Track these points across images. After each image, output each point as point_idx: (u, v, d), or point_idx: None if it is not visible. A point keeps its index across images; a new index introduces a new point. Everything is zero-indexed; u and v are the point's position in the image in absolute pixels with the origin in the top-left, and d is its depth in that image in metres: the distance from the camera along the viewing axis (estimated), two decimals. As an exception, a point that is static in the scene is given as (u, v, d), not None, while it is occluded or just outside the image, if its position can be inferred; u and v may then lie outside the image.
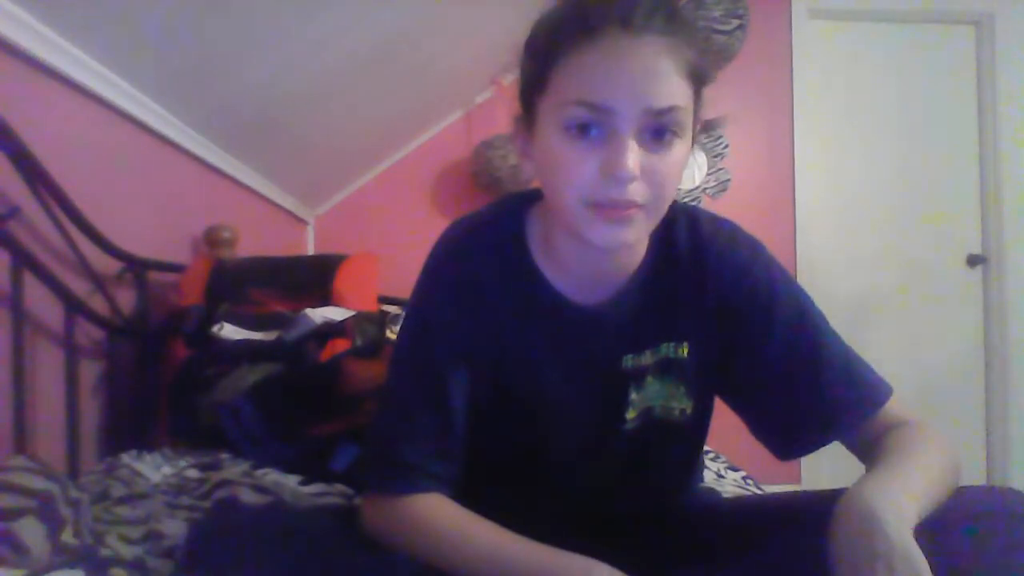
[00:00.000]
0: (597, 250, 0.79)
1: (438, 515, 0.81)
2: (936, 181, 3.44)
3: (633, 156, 0.70)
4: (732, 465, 1.69)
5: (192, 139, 2.00)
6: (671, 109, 0.71)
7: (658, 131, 0.72)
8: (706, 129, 0.82)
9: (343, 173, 3.23)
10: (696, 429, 0.96)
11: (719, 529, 0.93)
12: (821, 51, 3.42)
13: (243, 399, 1.54)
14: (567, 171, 0.73)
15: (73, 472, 1.42)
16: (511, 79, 3.24)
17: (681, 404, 0.91)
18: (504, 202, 0.96)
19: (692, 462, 1.04)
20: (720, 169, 3.34)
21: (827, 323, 0.91)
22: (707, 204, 3.34)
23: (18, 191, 1.32)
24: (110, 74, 1.58)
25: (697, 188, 3.33)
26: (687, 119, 0.74)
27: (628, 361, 0.88)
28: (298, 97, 2.29)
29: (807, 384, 0.85)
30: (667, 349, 0.89)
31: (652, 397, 0.90)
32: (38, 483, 0.97)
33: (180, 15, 1.60)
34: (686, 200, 3.30)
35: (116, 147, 1.69)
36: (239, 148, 2.29)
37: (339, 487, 1.36)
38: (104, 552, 0.86)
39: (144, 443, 1.61)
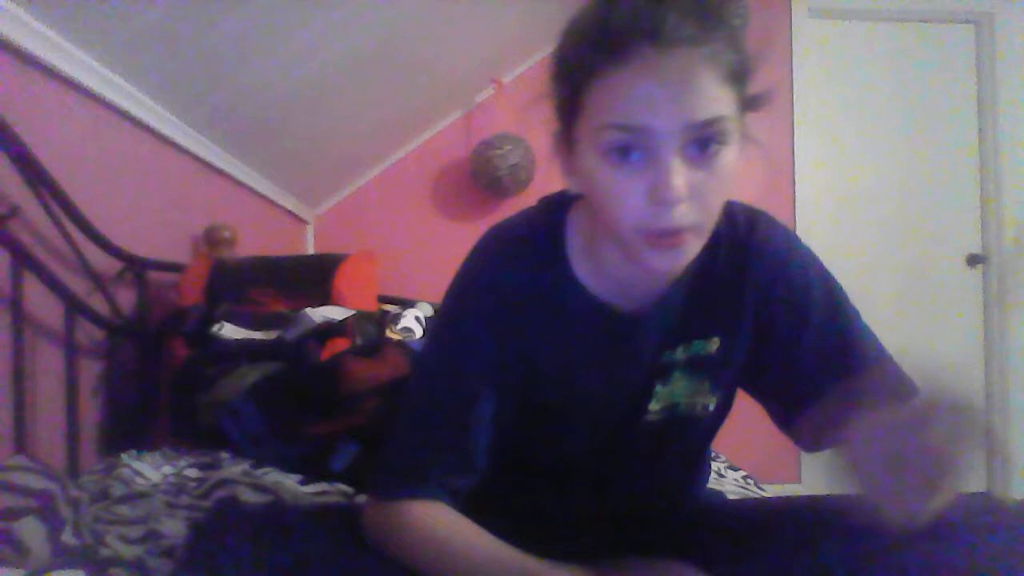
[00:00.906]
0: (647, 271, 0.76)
1: (434, 523, 0.79)
2: (936, 180, 3.44)
3: (679, 177, 0.67)
4: (732, 465, 1.69)
5: (192, 139, 2.01)
6: (713, 121, 0.67)
7: (702, 143, 0.68)
8: (759, 105, 0.77)
9: (343, 173, 3.23)
10: (715, 425, 0.96)
11: (721, 531, 0.92)
12: (821, 50, 3.42)
13: (243, 399, 1.54)
14: (614, 199, 0.70)
15: (73, 472, 1.42)
16: (510, 78, 3.25)
17: (705, 400, 0.89)
18: (541, 208, 0.92)
19: (705, 457, 1.05)
20: (720, 168, 3.34)
21: (860, 316, 0.90)
22: (707, 203, 3.34)
23: (18, 191, 1.32)
24: (110, 74, 1.58)
25: (697, 187, 3.33)
26: (732, 127, 0.70)
27: (665, 355, 0.87)
28: (298, 97, 2.29)
29: (840, 376, 0.83)
30: (699, 346, 0.87)
31: (678, 393, 0.88)
32: (38, 483, 0.97)
33: (180, 15, 1.60)
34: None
35: (116, 147, 1.70)
36: (239, 148, 2.29)
37: (339, 486, 1.36)
38: (104, 552, 0.86)
39: (144, 443, 1.61)
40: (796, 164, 3.37)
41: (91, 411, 1.57)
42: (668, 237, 0.69)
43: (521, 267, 0.85)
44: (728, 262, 0.86)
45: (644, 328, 0.85)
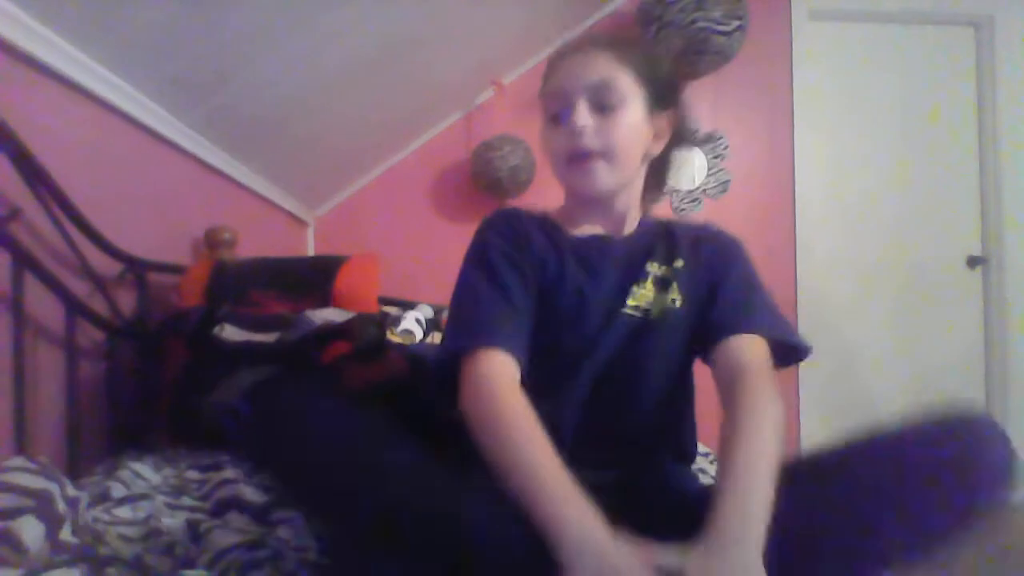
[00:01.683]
0: (588, 201, 1.14)
1: (497, 384, 0.94)
2: (936, 182, 3.44)
3: (581, 114, 1.05)
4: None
5: (192, 140, 2.01)
6: (603, 82, 1.05)
7: (601, 104, 1.06)
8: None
9: (343, 174, 3.23)
10: (686, 333, 1.11)
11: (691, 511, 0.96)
12: (821, 52, 3.42)
13: (244, 401, 1.54)
14: (553, 143, 1.11)
15: (74, 473, 1.42)
16: (510, 80, 3.25)
17: (674, 298, 1.10)
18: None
19: (680, 382, 1.17)
20: (720, 170, 3.34)
21: (763, 287, 1.18)
22: (707, 205, 3.34)
23: (19, 192, 1.32)
24: (111, 75, 1.59)
25: (697, 189, 3.33)
26: (625, 93, 1.06)
27: (645, 267, 1.12)
28: (298, 98, 2.29)
29: (741, 314, 1.09)
30: (666, 269, 1.13)
31: (651, 301, 1.10)
32: (37, 483, 0.97)
33: (181, 17, 1.60)
34: (686, 200, 3.31)
35: (117, 148, 1.70)
36: (240, 149, 2.29)
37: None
38: (102, 550, 0.86)
39: (144, 445, 1.61)
40: (796, 165, 3.37)
41: (91, 413, 1.57)
42: (581, 160, 1.06)
43: (527, 215, 1.18)
44: (683, 232, 1.18)
45: (610, 245, 1.14)
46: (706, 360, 1.09)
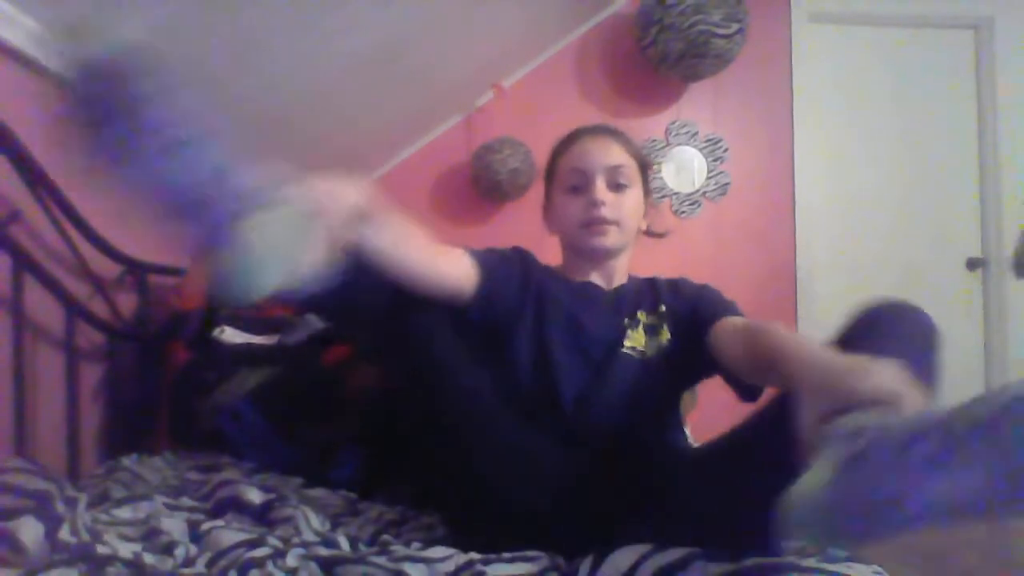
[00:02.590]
0: (592, 258, 1.34)
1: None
2: (936, 184, 3.44)
3: (601, 189, 1.29)
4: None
5: (192, 143, 2.00)
6: (620, 165, 1.30)
7: (616, 184, 1.30)
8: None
9: (343, 176, 3.22)
10: (676, 363, 1.26)
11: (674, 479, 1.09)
12: (821, 55, 3.42)
13: (244, 403, 1.54)
14: (569, 211, 1.32)
15: (74, 475, 1.42)
16: (510, 83, 3.26)
17: (664, 339, 1.27)
18: None
19: (669, 404, 1.34)
20: (720, 172, 3.34)
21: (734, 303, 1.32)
22: (707, 207, 3.34)
23: (19, 194, 1.32)
24: (111, 78, 1.58)
25: (697, 191, 3.33)
26: (633, 176, 1.32)
27: (626, 316, 1.28)
28: (298, 101, 2.29)
29: (716, 312, 1.24)
30: (652, 317, 1.30)
31: (644, 344, 1.26)
32: (35, 483, 0.97)
33: (180, 20, 1.60)
34: (686, 203, 3.31)
35: (117, 151, 1.69)
36: (238, 151, 2.29)
37: (342, 492, 1.36)
38: (101, 550, 0.86)
39: (144, 446, 1.61)
40: (796, 167, 3.37)
41: (91, 415, 1.57)
42: (597, 225, 1.28)
43: (532, 257, 1.37)
44: (664, 284, 1.37)
45: (604, 295, 1.33)
46: (705, 356, 1.20)
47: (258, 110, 2.16)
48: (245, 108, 2.09)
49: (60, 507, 0.92)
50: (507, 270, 1.27)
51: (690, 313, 1.28)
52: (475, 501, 1.11)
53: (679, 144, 3.33)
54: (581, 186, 1.30)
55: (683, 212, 3.32)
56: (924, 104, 3.45)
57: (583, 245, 1.31)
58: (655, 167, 3.37)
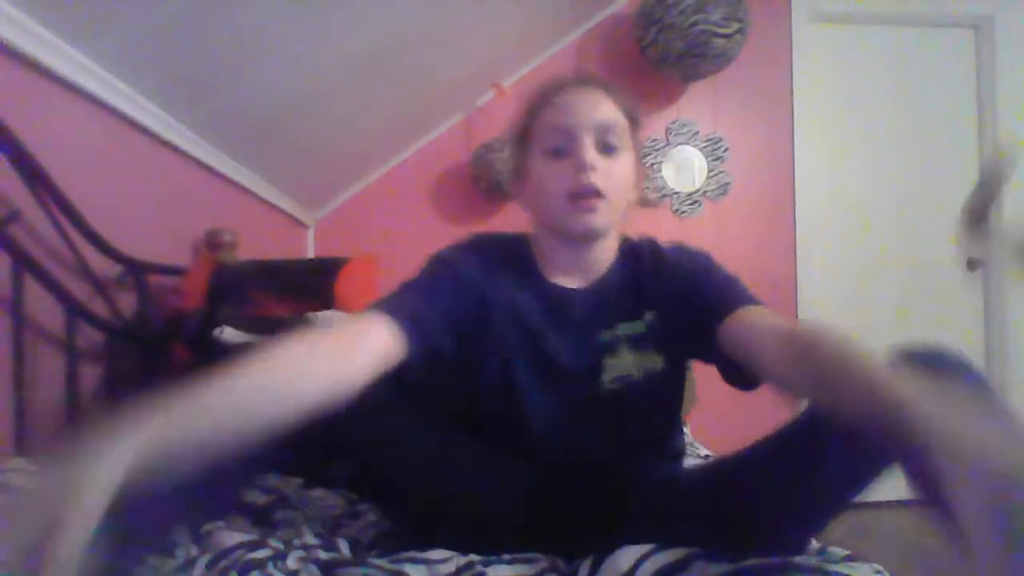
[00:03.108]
0: (576, 238, 1.08)
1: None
2: (936, 184, 3.44)
3: (591, 152, 1.04)
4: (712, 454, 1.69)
5: (193, 142, 2.01)
6: (611, 122, 1.06)
7: (607, 145, 1.05)
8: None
9: (343, 176, 3.23)
10: (670, 388, 1.13)
11: (670, 502, 1.02)
12: (821, 54, 3.42)
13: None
14: (550, 178, 1.06)
15: (73, 475, 1.42)
16: (510, 82, 3.26)
17: (654, 362, 1.09)
18: (515, 233, 1.20)
19: (665, 429, 1.18)
20: (720, 172, 3.34)
21: (738, 278, 1.11)
22: (708, 206, 3.34)
23: (19, 194, 1.32)
24: (111, 77, 1.59)
25: (698, 191, 3.33)
26: (625, 137, 1.08)
27: (605, 335, 1.09)
28: (299, 100, 2.29)
29: (727, 302, 1.02)
30: (637, 325, 1.10)
31: (629, 366, 1.08)
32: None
33: (181, 18, 1.60)
34: (686, 203, 3.31)
35: (117, 150, 1.70)
36: (240, 151, 2.29)
37: (342, 492, 1.36)
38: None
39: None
40: (796, 167, 3.37)
41: (91, 415, 1.57)
42: (585, 199, 1.03)
43: (497, 247, 1.15)
44: (649, 266, 1.13)
45: (580, 303, 1.10)
46: (710, 354, 1.02)
47: (259, 110, 2.16)
48: (246, 108, 2.09)
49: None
50: (438, 307, 1.02)
51: (686, 308, 1.06)
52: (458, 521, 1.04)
53: (679, 144, 3.33)
54: (564, 148, 1.05)
55: (683, 212, 3.32)
56: (924, 103, 3.45)
57: (566, 224, 1.06)
58: (651, 160, 3.22)
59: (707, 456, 1.73)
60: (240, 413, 0.73)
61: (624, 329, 1.09)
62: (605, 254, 1.13)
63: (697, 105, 3.36)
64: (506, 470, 1.08)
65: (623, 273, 1.13)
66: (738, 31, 2.86)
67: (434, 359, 1.00)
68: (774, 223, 3.36)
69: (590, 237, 1.08)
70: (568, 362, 1.08)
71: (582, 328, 1.09)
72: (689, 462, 1.31)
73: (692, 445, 1.78)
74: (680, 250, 1.15)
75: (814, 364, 0.78)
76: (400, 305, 0.98)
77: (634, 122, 1.11)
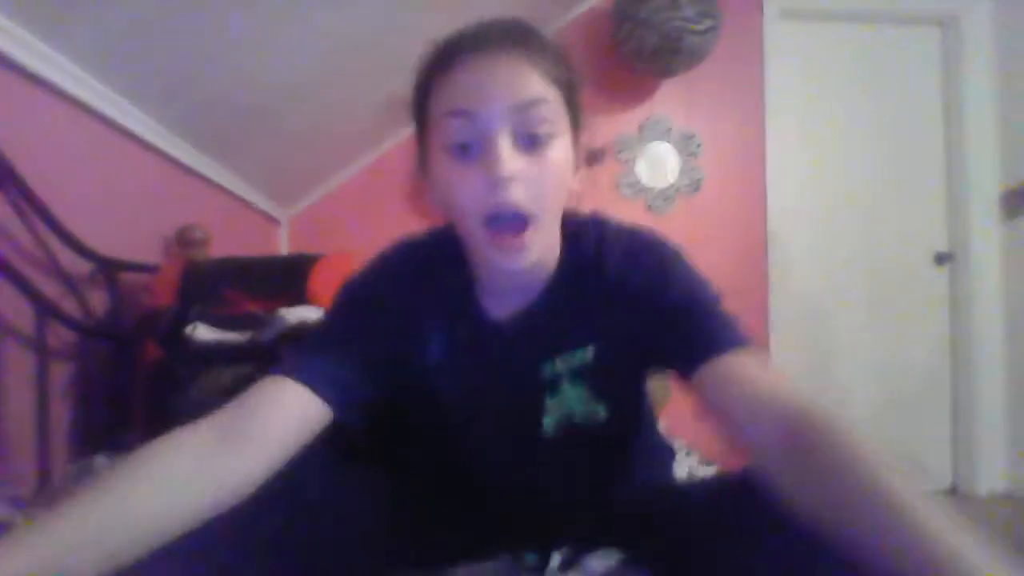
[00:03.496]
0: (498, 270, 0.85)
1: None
2: (903, 180, 3.50)
3: (507, 156, 0.75)
4: (706, 460, 1.71)
5: (164, 138, 1.99)
6: (535, 102, 0.77)
7: (531, 134, 0.77)
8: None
9: (317, 172, 3.21)
10: (619, 431, 0.96)
11: (641, 518, 0.94)
12: (792, 51, 3.46)
13: (217, 400, 1.53)
14: (457, 189, 0.79)
15: (44, 475, 1.41)
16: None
17: (594, 407, 0.91)
18: (448, 225, 0.97)
19: (625, 464, 1.02)
20: (693, 168, 3.37)
21: (715, 294, 0.89)
22: (680, 202, 3.37)
23: (-14, 192, 1.31)
24: (80, 71, 1.57)
25: (671, 187, 3.36)
26: (556, 118, 0.79)
27: (546, 370, 0.90)
28: (272, 96, 2.28)
29: (690, 326, 0.84)
30: (579, 355, 0.90)
31: (570, 402, 0.91)
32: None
33: (151, 12, 1.58)
34: (659, 198, 3.33)
35: (87, 146, 1.68)
36: (211, 147, 2.27)
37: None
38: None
39: (118, 445, 1.60)
40: (768, 162, 3.41)
41: (63, 414, 1.55)
42: (508, 235, 0.78)
43: (418, 270, 0.93)
44: (592, 273, 0.89)
45: (512, 334, 0.90)
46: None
47: (231, 106, 2.15)
48: (218, 105, 2.07)
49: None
50: (354, 361, 0.86)
51: (637, 346, 0.88)
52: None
53: (653, 140, 3.35)
54: (472, 146, 0.78)
55: (657, 207, 3.35)
56: (892, 99, 3.51)
57: (488, 258, 0.83)
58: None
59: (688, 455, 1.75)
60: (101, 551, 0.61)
61: (564, 363, 0.90)
62: (545, 259, 0.90)
63: (671, 101, 3.38)
64: (455, 508, 0.98)
65: (565, 285, 0.91)
66: (711, 28, 2.89)
67: (364, 410, 0.87)
68: (747, 218, 3.40)
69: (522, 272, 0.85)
70: (505, 405, 0.92)
71: (519, 364, 0.91)
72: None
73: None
74: (633, 247, 0.90)
75: (831, 479, 0.61)
76: (312, 367, 0.83)
77: (568, 84, 0.84)
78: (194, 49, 1.80)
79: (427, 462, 0.99)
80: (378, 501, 0.90)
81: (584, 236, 0.92)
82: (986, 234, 3.40)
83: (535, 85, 0.78)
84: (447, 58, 0.82)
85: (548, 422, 0.91)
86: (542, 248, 0.83)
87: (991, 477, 3.34)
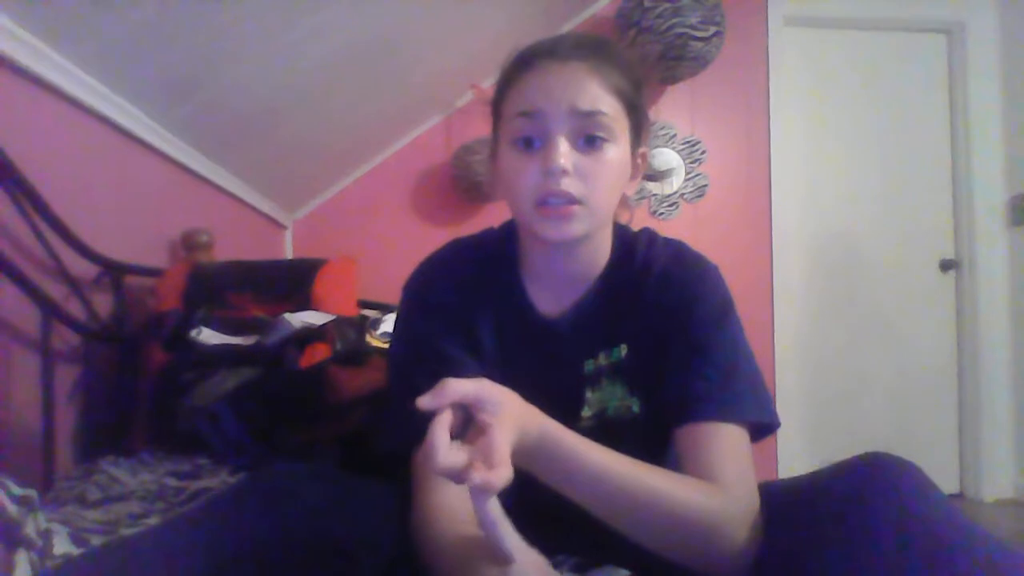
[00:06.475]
0: (552, 247, 0.93)
1: (447, 520, 0.81)
2: (909, 187, 3.49)
3: (564, 152, 0.84)
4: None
5: (170, 143, 1.99)
6: (595, 113, 0.85)
7: (589, 137, 0.86)
8: (652, 177, 0.89)
9: (322, 177, 3.22)
10: (650, 430, 0.97)
11: None
12: (797, 58, 3.46)
13: (221, 404, 1.53)
14: (517, 178, 0.88)
15: (49, 478, 1.41)
16: (489, 83, 3.26)
17: (628, 402, 0.97)
18: (501, 226, 1.07)
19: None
20: (698, 174, 3.37)
21: (743, 343, 0.94)
22: (685, 209, 3.37)
23: (-7, 195, 1.31)
24: (87, 77, 1.57)
25: (675, 193, 3.36)
26: (614, 125, 0.87)
27: (589, 365, 0.97)
28: (277, 101, 2.29)
29: (687, 371, 0.89)
30: (615, 352, 0.97)
31: (607, 398, 0.97)
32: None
33: (159, 19, 1.59)
34: (664, 204, 3.33)
35: (93, 150, 1.68)
36: (217, 152, 2.28)
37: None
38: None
39: (122, 448, 1.60)
40: (772, 169, 3.40)
41: (67, 416, 1.56)
42: (559, 207, 0.86)
43: (470, 268, 1.00)
44: (634, 279, 0.97)
45: (560, 331, 0.98)
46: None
47: (236, 111, 2.15)
48: (223, 109, 2.08)
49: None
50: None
51: (656, 355, 0.94)
52: None
53: (657, 146, 3.35)
54: (534, 139, 0.88)
55: (661, 214, 3.35)
56: (898, 107, 3.51)
57: (536, 232, 0.90)
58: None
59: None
60: None
61: (604, 359, 0.97)
62: (595, 256, 0.98)
63: (675, 108, 3.39)
64: None
65: (611, 287, 0.99)
66: (715, 34, 2.89)
67: None
68: (751, 224, 3.39)
69: (567, 245, 0.93)
70: (549, 396, 0.90)
71: (566, 357, 0.98)
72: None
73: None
74: (676, 264, 0.98)
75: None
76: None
77: (631, 96, 0.90)
78: (200, 55, 1.81)
79: None
80: (387, 506, 0.89)
81: (634, 244, 1.00)
82: (992, 241, 3.40)
83: (596, 94, 0.86)
84: (522, 64, 0.90)
85: (586, 413, 0.97)
86: (587, 228, 0.89)
87: (998, 483, 3.33)
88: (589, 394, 0.97)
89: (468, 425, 0.67)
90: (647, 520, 0.75)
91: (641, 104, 0.92)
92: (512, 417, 0.68)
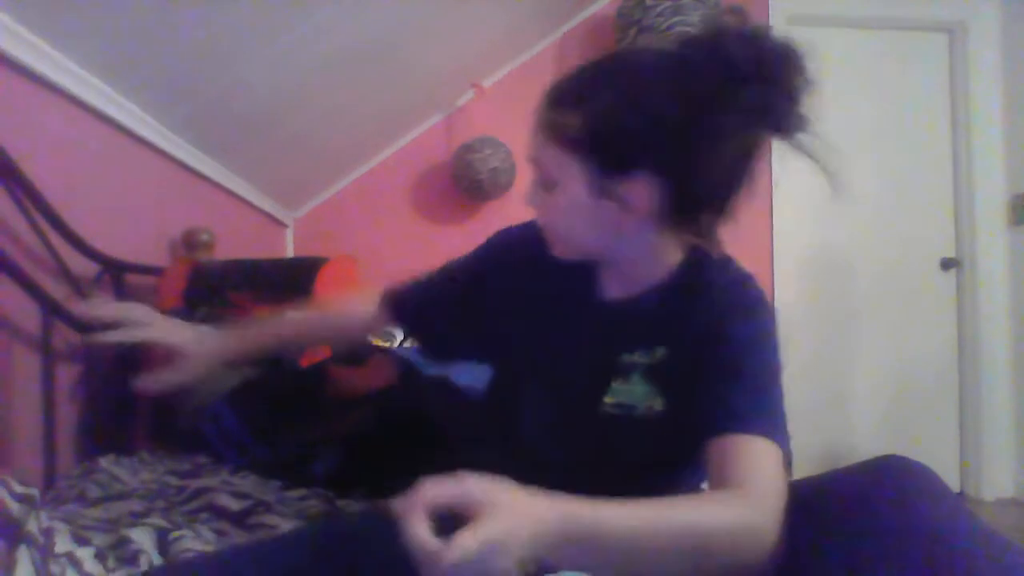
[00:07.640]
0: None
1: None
2: (910, 186, 3.49)
3: (527, 192, 0.97)
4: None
5: (171, 141, 2.00)
6: (534, 160, 0.93)
7: (540, 180, 0.93)
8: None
9: (323, 176, 3.22)
10: (668, 432, 0.97)
11: None
12: (798, 57, 3.45)
13: (222, 403, 1.54)
14: None
15: (50, 476, 1.41)
16: (490, 82, 3.26)
17: (652, 402, 0.97)
18: None
19: (667, 478, 1.02)
20: (699, 173, 3.37)
21: (781, 383, 0.94)
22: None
23: (-6, 193, 1.31)
24: (88, 75, 1.58)
25: (676, 192, 3.35)
26: (554, 175, 0.90)
27: (625, 358, 0.99)
28: (278, 99, 2.29)
29: (733, 384, 0.89)
30: (656, 353, 0.98)
31: (637, 396, 0.98)
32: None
33: (160, 17, 1.59)
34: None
35: (94, 149, 1.69)
36: (218, 150, 2.28)
37: (319, 490, 1.36)
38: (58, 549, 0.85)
39: (123, 447, 1.60)
40: (772, 169, 3.39)
41: (68, 415, 1.56)
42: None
43: (531, 234, 1.06)
44: (687, 288, 1.00)
45: (612, 317, 1.02)
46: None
47: (237, 109, 2.15)
48: (224, 108, 2.08)
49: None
50: (438, 306, 1.15)
51: (695, 372, 0.93)
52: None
53: (658, 144, 3.34)
54: None
55: (662, 212, 3.34)
56: (900, 106, 3.50)
57: None
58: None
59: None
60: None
61: (638, 358, 0.99)
62: (642, 274, 1.01)
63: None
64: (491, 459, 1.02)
65: (671, 289, 1.00)
66: (716, 33, 2.89)
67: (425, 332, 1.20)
68: (750, 223, 3.39)
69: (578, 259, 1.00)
70: (584, 374, 1.01)
71: (608, 345, 1.00)
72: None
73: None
74: (736, 287, 1.02)
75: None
76: (405, 296, 1.18)
77: (586, 142, 0.87)
78: (201, 54, 1.81)
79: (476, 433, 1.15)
80: None
81: (706, 260, 1.01)
82: (993, 240, 3.39)
83: (538, 145, 0.92)
84: None
85: (608, 402, 0.99)
86: (570, 253, 0.99)
87: (999, 482, 3.33)
88: (616, 384, 0.99)
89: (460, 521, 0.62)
90: (684, 555, 0.73)
91: (622, 133, 0.86)
92: (511, 515, 0.63)
